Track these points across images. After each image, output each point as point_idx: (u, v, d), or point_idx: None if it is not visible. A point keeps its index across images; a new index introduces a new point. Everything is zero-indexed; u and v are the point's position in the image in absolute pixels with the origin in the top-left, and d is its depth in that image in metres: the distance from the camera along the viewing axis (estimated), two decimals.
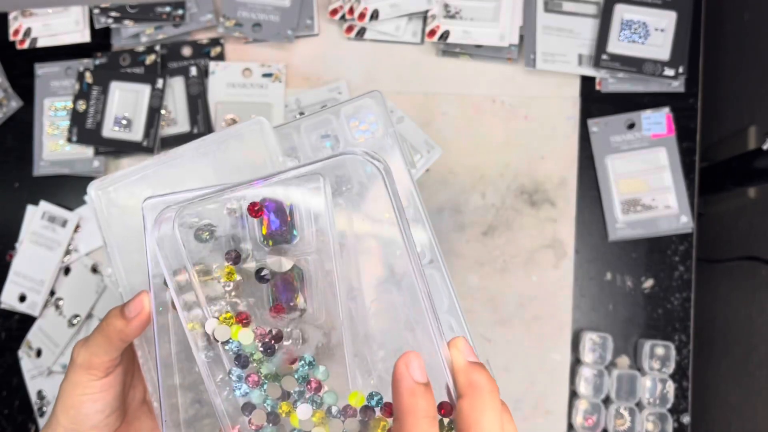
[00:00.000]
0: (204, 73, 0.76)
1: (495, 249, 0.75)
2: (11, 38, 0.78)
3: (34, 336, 0.76)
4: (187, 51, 0.77)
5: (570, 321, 0.74)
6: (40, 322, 0.76)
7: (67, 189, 0.78)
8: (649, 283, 0.75)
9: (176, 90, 0.76)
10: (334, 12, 0.75)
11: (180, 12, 0.75)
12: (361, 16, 0.73)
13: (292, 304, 0.39)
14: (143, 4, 0.75)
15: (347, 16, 0.74)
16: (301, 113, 0.75)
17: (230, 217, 0.39)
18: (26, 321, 0.76)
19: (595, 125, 0.75)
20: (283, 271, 0.39)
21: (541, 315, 0.75)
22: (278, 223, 0.39)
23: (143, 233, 0.38)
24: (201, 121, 0.75)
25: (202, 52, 0.77)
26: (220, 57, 0.77)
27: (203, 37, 0.77)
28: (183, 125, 0.76)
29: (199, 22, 0.76)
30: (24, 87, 0.79)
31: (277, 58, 0.77)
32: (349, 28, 0.75)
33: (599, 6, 0.74)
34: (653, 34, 0.73)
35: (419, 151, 0.75)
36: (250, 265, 0.39)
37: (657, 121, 0.74)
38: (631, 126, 0.74)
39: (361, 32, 0.75)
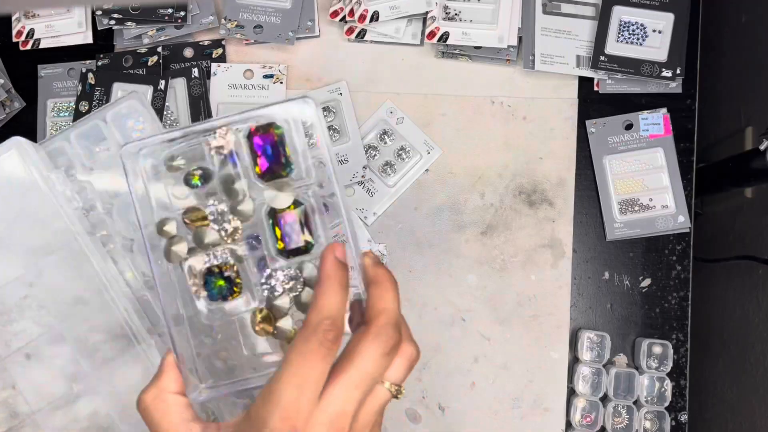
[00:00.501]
0: (206, 74, 0.77)
1: (494, 249, 0.76)
2: (14, 39, 0.79)
3: None
4: (189, 52, 0.78)
5: (568, 320, 0.75)
6: None
7: None
8: (646, 283, 0.76)
9: (178, 91, 0.77)
10: (335, 14, 0.76)
11: (182, 14, 0.76)
12: (362, 17, 0.74)
13: (301, 244, 0.39)
14: (145, 6, 0.76)
15: (348, 18, 0.75)
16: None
17: (217, 156, 0.38)
18: None
19: (593, 126, 0.76)
20: (283, 207, 0.39)
21: (540, 314, 0.75)
22: (272, 158, 0.39)
23: (125, 180, 0.38)
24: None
25: (203, 53, 0.78)
26: (222, 58, 0.77)
27: (205, 39, 0.78)
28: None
29: (200, 23, 0.77)
30: (27, 88, 0.79)
31: (278, 60, 0.78)
32: (350, 30, 0.76)
33: (597, 8, 0.75)
34: (651, 36, 0.74)
35: (419, 152, 0.76)
36: (248, 207, 0.39)
37: (654, 121, 0.75)
38: (629, 127, 0.75)
39: (362, 34, 0.76)
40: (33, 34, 0.79)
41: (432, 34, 0.75)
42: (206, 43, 0.78)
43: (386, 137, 0.76)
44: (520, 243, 0.76)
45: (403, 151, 0.76)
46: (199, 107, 0.76)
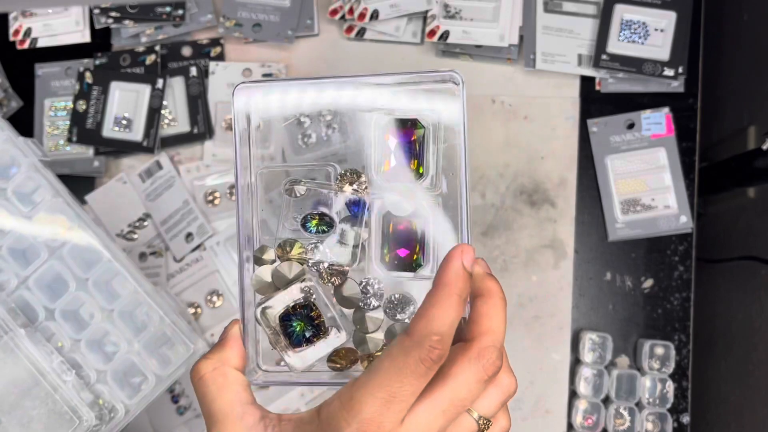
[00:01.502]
0: (204, 73, 0.76)
1: (494, 249, 0.75)
2: (11, 38, 0.78)
3: None
4: (187, 51, 0.77)
5: (569, 321, 0.75)
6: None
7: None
8: (648, 283, 0.75)
9: (176, 90, 0.76)
10: (334, 12, 0.75)
11: (180, 12, 0.75)
12: (361, 16, 0.73)
13: (409, 261, 0.35)
14: (143, 5, 0.75)
15: (347, 17, 0.74)
16: (301, 114, 0.75)
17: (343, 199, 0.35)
18: None
19: (594, 125, 0.75)
20: (402, 216, 0.35)
21: (541, 315, 0.75)
22: (405, 160, 0.35)
23: (233, 120, 0.36)
24: (201, 121, 0.76)
25: (202, 52, 0.77)
26: (220, 57, 0.77)
27: (203, 38, 0.77)
28: (183, 125, 0.76)
29: (199, 22, 0.76)
30: (24, 87, 0.79)
31: (277, 59, 0.77)
32: (349, 29, 0.76)
33: (599, 6, 0.74)
34: (653, 35, 0.73)
35: None
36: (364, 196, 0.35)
37: (657, 121, 0.74)
38: (631, 126, 0.75)
39: (361, 32, 0.76)
40: (30, 33, 0.78)
41: (432, 33, 0.74)
42: (205, 41, 0.77)
43: None
44: (522, 243, 0.75)
45: None
46: (197, 106, 0.76)
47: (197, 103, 0.76)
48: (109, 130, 0.76)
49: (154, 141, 0.75)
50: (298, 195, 0.36)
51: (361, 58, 0.77)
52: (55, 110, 0.78)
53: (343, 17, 0.75)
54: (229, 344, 0.36)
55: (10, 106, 0.78)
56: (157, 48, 0.77)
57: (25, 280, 0.57)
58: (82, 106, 0.76)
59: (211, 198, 0.76)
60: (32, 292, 0.57)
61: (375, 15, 0.73)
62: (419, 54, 0.77)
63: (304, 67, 0.77)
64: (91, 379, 0.56)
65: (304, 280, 0.36)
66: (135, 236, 0.76)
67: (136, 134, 0.75)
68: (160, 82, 0.75)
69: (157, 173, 0.76)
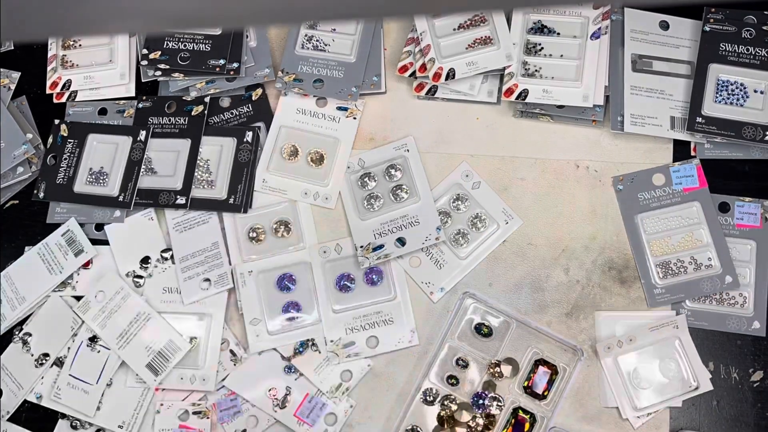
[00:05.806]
0: (259, 139, 0.69)
1: (580, 332, 0.66)
2: (48, 91, 0.72)
3: None
4: (225, 102, 0.71)
5: (667, 419, 0.66)
6: (2, 358, 0.68)
7: None
8: (758, 376, 0.66)
9: (224, 150, 0.69)
10: (404, 69, 0.69)
11: (235, 65, 0.69)
12: (436, 75, 0.67)
13: None
14: (195, 56, 0.69)
15: (419, 74, 0.68)
16: (366, 174, 0.68)
17: None
18: None
19: (619, 183, 0.68)
20: None
21: None
22: None
23: None
24: (240, 192, 0.68)
25: (242, 98, 0.71)
26: (266, 105, 0.71)
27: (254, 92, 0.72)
28: (220, 191, 0.68)
29: (255, 76, 0.70)
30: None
31: None
32: (420, 86, 0.70)
33: (692, 66, 0.69)
34: (752, 96, 0.68)
35: (496, 221, 0.68)
36: None
37: (687, 173, 0.68)
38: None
39: (433, 90, 0.69)
40: (70, 86, 0.72)
41: (510, 92, 0.68)
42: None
43: (460, 203, 0.68)
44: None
45: (478, 219, 0.68)
46: (243, 175, 0.68)
47: (243, 171, 0.68)
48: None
49: (131, 196, 0.68)
50: None
51: (432, 118, 0.70)
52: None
53: (413, 74, 0.69)
54: None
55: (40, 165, 0.71)
56: (207, 99, 0.70)
57: None
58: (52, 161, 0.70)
59: (254, 234, 0.67)
60: None
61: (451, 74, 0.67)
62: (495, 114, 0.70)
63: (369, 126, 0.70)
64: None
65: None
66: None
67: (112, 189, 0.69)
68: (142, 134, 0.69)
69: None
